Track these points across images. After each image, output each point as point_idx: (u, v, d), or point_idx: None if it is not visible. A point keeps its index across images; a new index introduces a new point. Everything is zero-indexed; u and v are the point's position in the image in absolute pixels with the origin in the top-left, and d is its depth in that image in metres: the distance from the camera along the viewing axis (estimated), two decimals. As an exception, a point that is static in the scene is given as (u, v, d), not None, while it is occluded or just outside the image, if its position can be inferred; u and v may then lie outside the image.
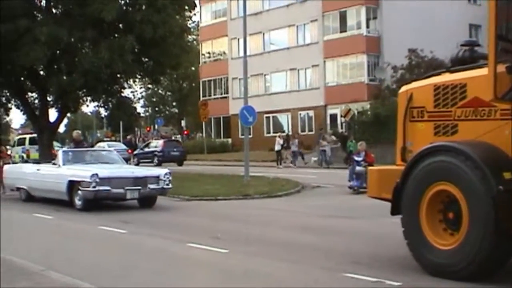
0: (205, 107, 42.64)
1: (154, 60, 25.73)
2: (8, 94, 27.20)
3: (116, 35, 24.18)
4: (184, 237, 10.02)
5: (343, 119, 38.84)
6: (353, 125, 35.80)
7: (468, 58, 7.50)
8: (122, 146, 37.97)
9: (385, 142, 25.94)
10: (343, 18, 42.19)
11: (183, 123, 66.79)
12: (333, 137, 34.29)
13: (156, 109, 71.98)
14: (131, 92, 56.77)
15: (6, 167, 18.60)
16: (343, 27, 42.22)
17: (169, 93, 69.42)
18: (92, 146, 30.94)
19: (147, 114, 72.24)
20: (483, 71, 6.68)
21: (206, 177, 22.87)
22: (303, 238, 9.88)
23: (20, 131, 74.48)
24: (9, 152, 26.72)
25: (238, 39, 45.38)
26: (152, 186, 14.25)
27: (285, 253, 8.44)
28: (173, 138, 50.11)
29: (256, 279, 7.08)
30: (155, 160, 36.70)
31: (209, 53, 53.92)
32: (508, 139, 6.49)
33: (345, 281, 6.78)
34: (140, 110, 58.21)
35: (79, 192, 13.87)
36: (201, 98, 51.14)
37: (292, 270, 7.43)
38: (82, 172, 14.06)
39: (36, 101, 27.19)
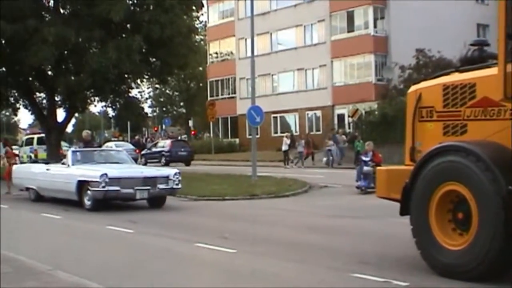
0: (212, 107, 42.67)
1: (162, 60, 25.79)
2: (16, 94, 27.32)
3: (123, 35, 24.24)
4: (191, 237, 10.02)
5: (350, 119, 38.73)
6: (360, 125, 35.70)
7: (477, 58, 7.48)
8: (130, 146, 38.04)
9: (392, 142, 25.90)
10: (350, 18, 42.10)
11: (190, 123, 66.80)
12: (344, 137, 34.18)
13: (164, 109, 72.08)
14: (139, 92, 57.03)
15: (14, 167, 18.65)
16: (350, 27, 42.13)
17: (176, 93, 69.49)
18: (100, 146, 31.01)
19: (155, 114, 72.35)
20: (493, 70, 6.66)
21: (214, 177, 22.86)
22: (311, 238, 9.87)
23: (28, 131, 74.71)
24: (16, 152, 26.76)
25: (246, 39, 45.40)
26: (161, 186, 14.22)
27: (292, 253, 8.43)
28: (179, 138, 50.10)
29: (263, 279, 7.07)
30: (163, 160, 36.66)
31: (216, 53, 53.94)
32: (517, 139, 6.45)
33: (352, 281, 6.76)
34: (147, 110, 58.59)
35: (89, 192, 13.86)
36: (209, 98, 51.18)
37: (299, 270, 7.42)
38: (91, 172, 14.05)
39: (44, 101, 27.33)
